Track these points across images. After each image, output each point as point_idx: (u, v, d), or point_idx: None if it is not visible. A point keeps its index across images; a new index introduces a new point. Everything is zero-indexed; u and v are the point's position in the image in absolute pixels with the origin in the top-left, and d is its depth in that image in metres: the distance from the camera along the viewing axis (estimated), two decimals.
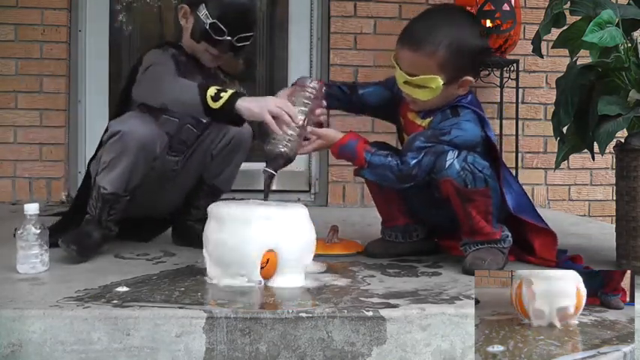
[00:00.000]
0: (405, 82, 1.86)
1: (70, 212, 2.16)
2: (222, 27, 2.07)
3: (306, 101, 1.87)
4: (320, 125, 1.93)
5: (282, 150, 1.79)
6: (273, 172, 1.80)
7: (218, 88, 1.87)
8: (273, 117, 1.79)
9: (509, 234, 1.86)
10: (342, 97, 2.06)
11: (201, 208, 2.15)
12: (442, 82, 1.81)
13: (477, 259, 1.80)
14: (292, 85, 1.95)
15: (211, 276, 1.66)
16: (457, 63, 1.81)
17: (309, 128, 1.89)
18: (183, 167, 2.20)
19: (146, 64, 2.04)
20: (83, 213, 2.01)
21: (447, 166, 1.78)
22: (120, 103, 2.16)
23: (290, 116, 1.79)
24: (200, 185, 2.22)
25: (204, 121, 2.13)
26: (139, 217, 2.19)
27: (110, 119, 2.12)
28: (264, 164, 1.81)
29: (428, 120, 1.90)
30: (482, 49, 1.89)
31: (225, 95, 1.84)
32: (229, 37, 2.09)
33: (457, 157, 1.78)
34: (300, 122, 1.82)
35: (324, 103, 1.94)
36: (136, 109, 2.06)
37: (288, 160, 1.82)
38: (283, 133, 1.79)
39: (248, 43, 2.15)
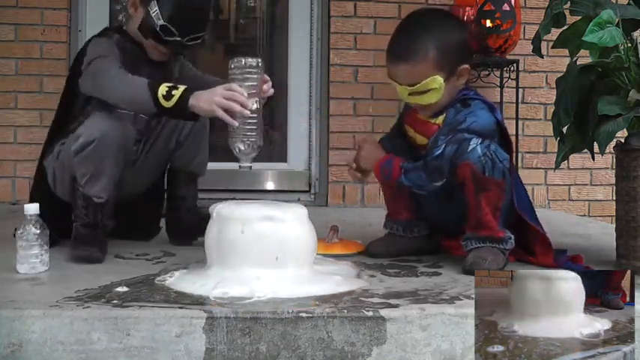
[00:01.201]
0: (410, 94, 1.89)
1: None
2: (173, 29, 2.02)
3: (251, 83, 1.84)
4: (268, 100, 1.93)
5: (242, 146, 1.81)
6: (249, 165, 1.83)
7: (169, 85, 1.86)
8: (225, 110, 1.78)
9: (512, 236, 1.86)
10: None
11: (188, 197, 2.20)
12: (443, 79, 1.85)
13: (477, 259, 1.80)
14: (229, 70, 1.86)
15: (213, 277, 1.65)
16: (449, 57, 1.87)
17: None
18: (147, 155, 2.18)
19: (91, 56, 2.00)
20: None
21: (469, 149, 1.79)
22: (66, 92, 2.13)
23: (241, 104, 1.78)
24: (177, 175, 2.22)
25: None
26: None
27: (63, 106, 2.12)
28: (263, 165, 1.82)
29: (441, 117, 1.93)
30: (465, 38, 1.97)
31: (176, 93, 1.84)
32: (179, 38, 2.04)
33: (480, 143, 1.80)
34: (254, 107, 1.81)
35: (267, 77, 1.92)
36: (83, 100, 2.04)
37: (258, 147, 1.83)
38: (240, 125, 1.79)
39: (199, 42, 2.09)
